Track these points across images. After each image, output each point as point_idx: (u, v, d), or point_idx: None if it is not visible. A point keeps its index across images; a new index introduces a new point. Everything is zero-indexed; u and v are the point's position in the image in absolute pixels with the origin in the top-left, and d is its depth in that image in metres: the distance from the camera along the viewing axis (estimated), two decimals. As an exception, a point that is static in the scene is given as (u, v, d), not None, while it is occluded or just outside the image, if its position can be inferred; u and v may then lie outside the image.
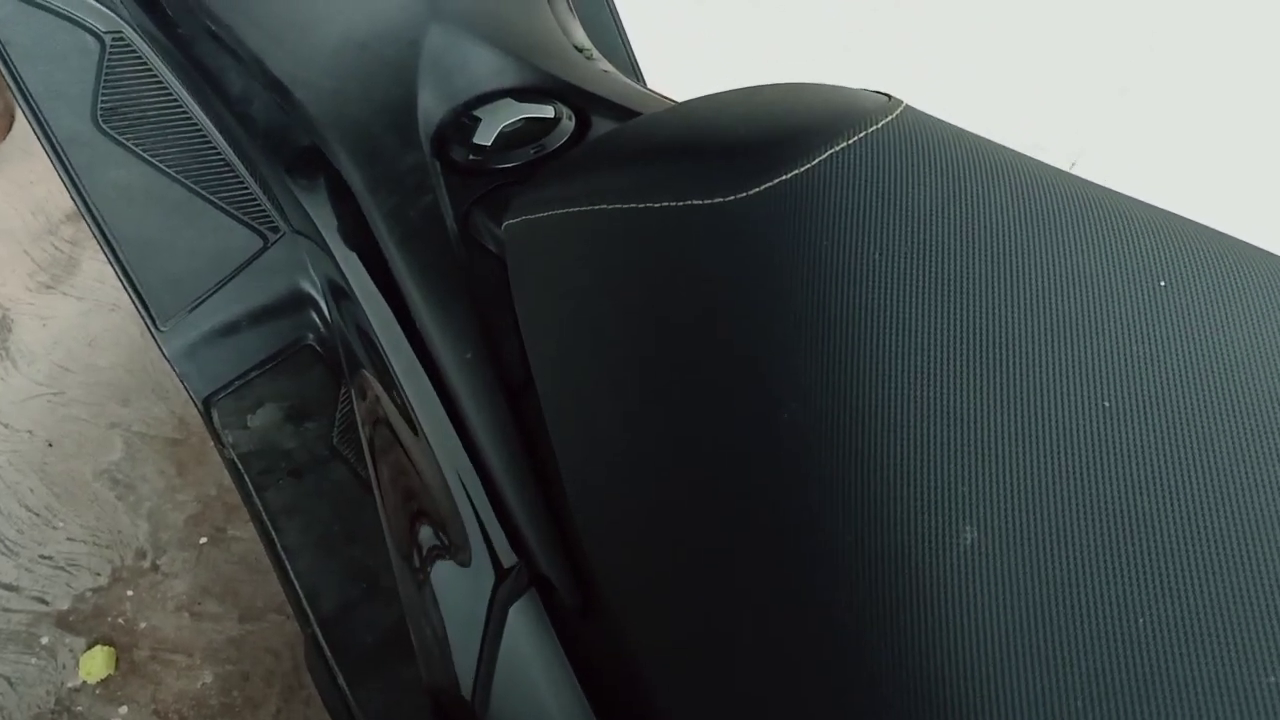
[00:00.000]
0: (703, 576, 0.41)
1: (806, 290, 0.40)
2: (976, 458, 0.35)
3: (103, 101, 0.86)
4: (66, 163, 0.87)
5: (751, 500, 0.39)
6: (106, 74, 0.85)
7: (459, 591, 0.56)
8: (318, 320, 0.97)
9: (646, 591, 0.44)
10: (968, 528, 0.34)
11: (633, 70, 0.99)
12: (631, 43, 0.97)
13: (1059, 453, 0.35)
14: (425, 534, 0.63)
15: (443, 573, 0.59)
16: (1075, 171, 1.59)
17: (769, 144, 0.43)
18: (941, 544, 0.34)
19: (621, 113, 0.73)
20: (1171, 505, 0.34)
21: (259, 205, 0.91)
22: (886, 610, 0.35)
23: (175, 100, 0.86)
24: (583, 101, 0.74)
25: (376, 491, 0.73)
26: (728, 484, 0.40)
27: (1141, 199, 0.45)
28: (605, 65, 0.83)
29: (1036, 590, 0.34)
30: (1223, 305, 0.40)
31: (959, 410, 0.36)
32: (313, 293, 0.96)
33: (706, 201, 0.43)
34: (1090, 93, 1.72)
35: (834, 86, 0.49)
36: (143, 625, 1.21)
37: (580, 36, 0.85)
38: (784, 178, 0.42)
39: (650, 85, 0.94)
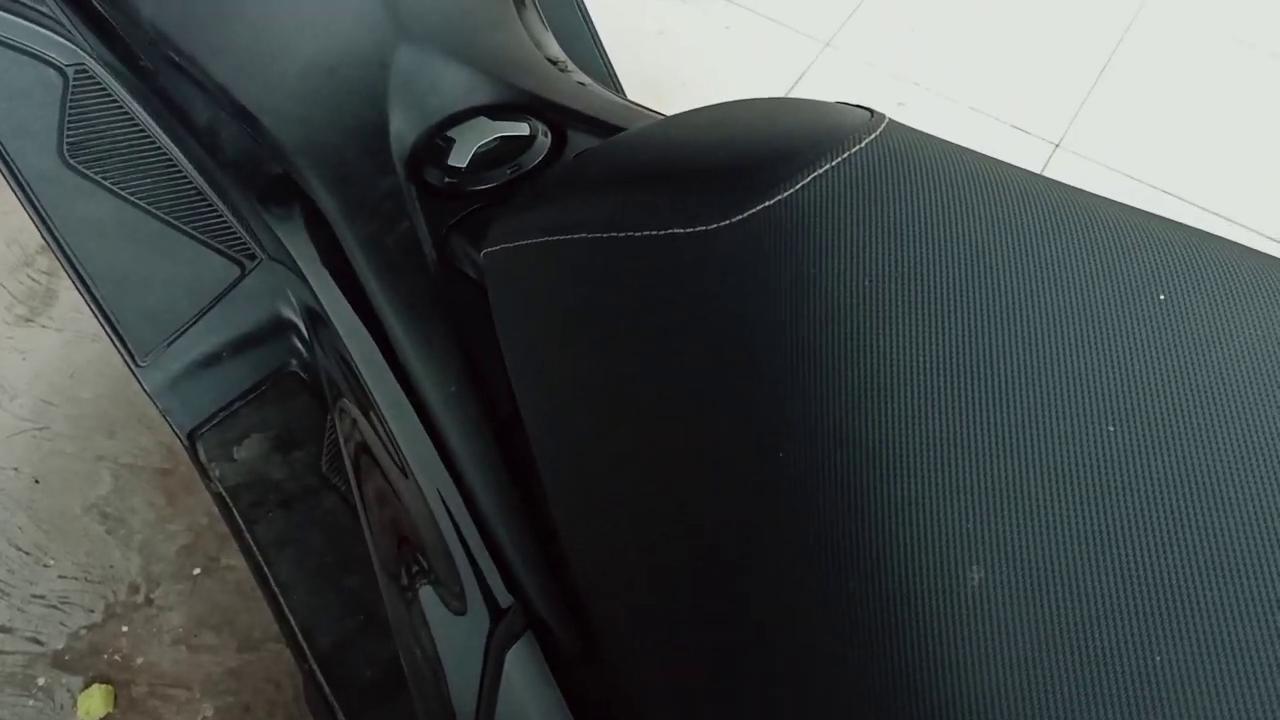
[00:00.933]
0: (702, 619, 0.40)
1: (796, 322, 0.38)
2: (980, 494, 0.34)
3: (69, 136, 0.84)
4: (35, 201, 0.85)
5: (750, 541, 0.38)
6: (71, 108, 0.83)
7: (454, 634, 0.55)
8: (300, 346, 0.95)
9: (645, 635, 0.42)
10: (975, 567, 0.33)
11: (609, 79, 0.97)
12: (608, 50, 0.95)
13: (1065, 483, 0.34)
14: (417, 573, 0.61)
15: (437, 614, 0.58)
16: (1060, 152, 1.58)
17: (750, 169, 0.42)
18: (949, 585, 0.33)
19: (598, 126, 0.71)
20: (1183, 535, 0.33)
21: (234, 233, 0.90)
22: (894, 653, 0.33)
23: (143, 131, 0.84)
24: (558, 116, 0.73)
25: (365, 527, 0.71)
26: (725, 524, 0.39)
27: (1140, 199, 0.44)
28: (581, 77, 0.81)
29: (1048, 630, 0.32)
30: (1224, 316, 0.38)
31: (959, 444, 0.35)
32: (294, 318, 0.94)
33: (688, 230, 0.42)
34: (1072, 73, 1.71)
35: (814, 102, 0.48)
36: (140, 661, 1.19)
37: (554, 49, 0.83)
38: (767, 204, 0.40)
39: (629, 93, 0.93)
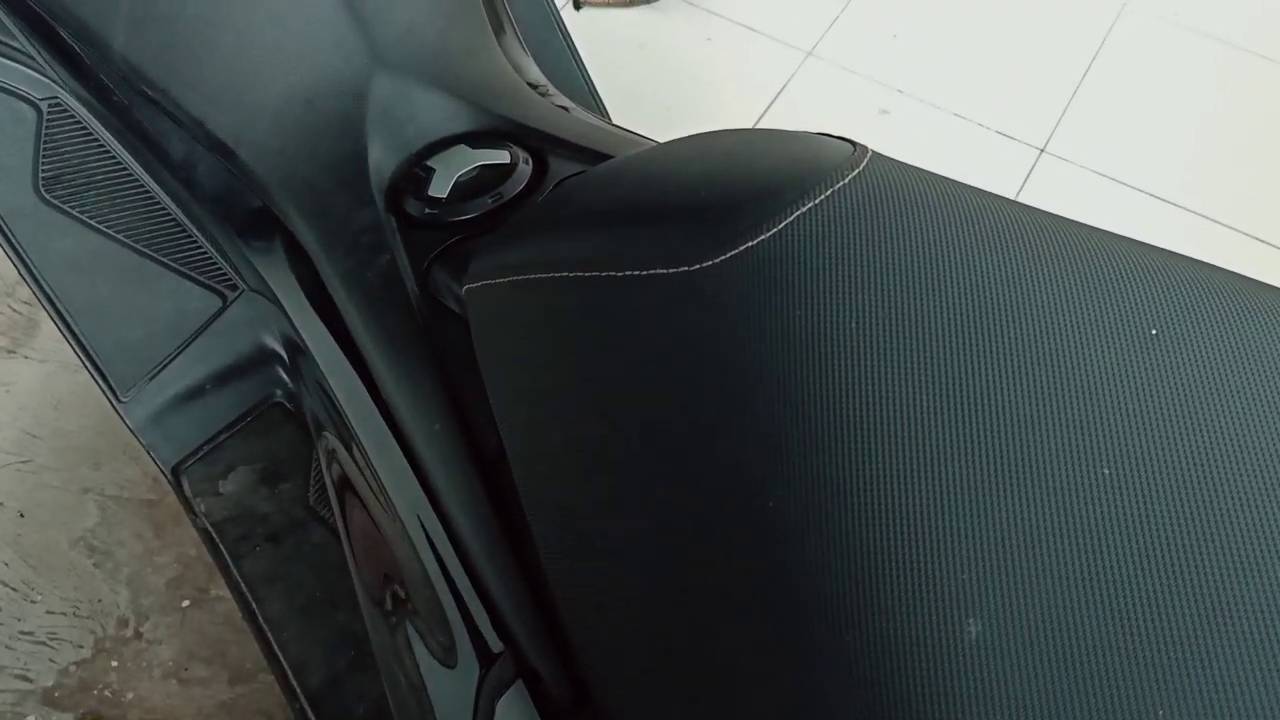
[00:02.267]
0: (695, 671, 0.39)
1: (781, 365, 0.37)
2: (976, 543, 0.33)
3: (44, 171, 0.83)
4: (10, 237, 0.84)
5: (741, 591, 0.37)
6: (46, 142, 0.82)
7: (444, 682, 0.54)
8: (285, 376, 0.94)
9: (636, 686, 0.41)
10: (972, 619, 0.32)
11: (592, 100, 0.96)
12: (589, 67, 0.94)
13: (1061, 530, 0.33)
14: (405, 616, 0.60)
15: (426, 661, 0.56)
16: (1045, 157, 1.58)
17: (732, 207, 0.41)
18: (946, 639, 0.32)
19: (579, 152, 0.71)
20: (1183, 579, 0.32)
21: (214, 264, 0.88)
22: (892, 707, 0.33)
23: (119, 164, 0.83)
24: (538, 142, 0.72)
25: (352, 565, 0.70)
26: (714, 573, 0.38)
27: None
28: (562, 100, 0.80)
29: (1048, 681, 0.31)
30: (1218, 349, 0.38)
31: (951, 492, 0.34)
32: (277, 349, 0.93)
33: (669, 270, 0.41)
34: (1055, 78, 1.71)
35: (796, 135, 0.47)
36: (130, 696, 1.18)
37: (534, 73, 0.82)
38: (750, 244, 0.39)
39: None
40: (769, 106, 1.67)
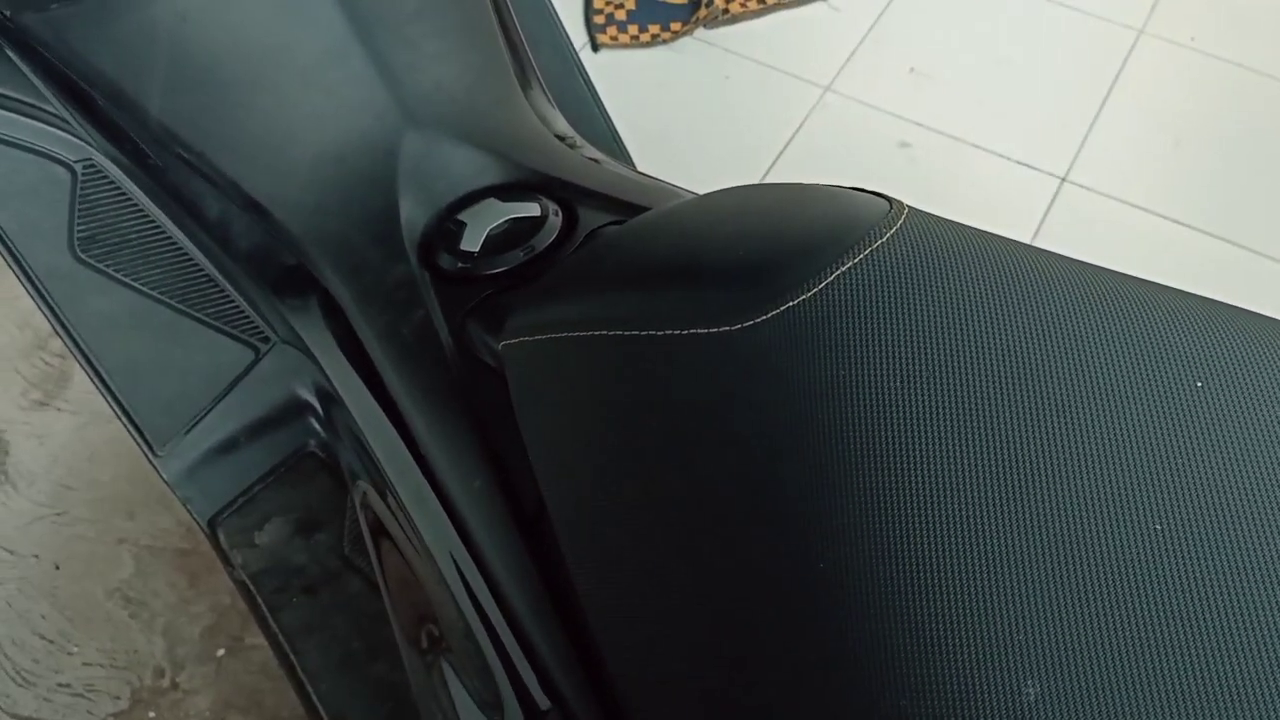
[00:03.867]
0: (747, 732, 0.39)
1: (825, 424, 0.38)
2: (1031, 604, 0.33)
3: (79, 231, 0.84)
4: (47, 297, 0.85)
5: (792, 654, 0.37)
6: (80, 203, 0.83)
7: (490, 739, 0.54)
8: (318, 426, 0.95)
9: (689, 747, 0.41)
10: (1030, 681, 0.32)
11: (615, 146, 0.97)
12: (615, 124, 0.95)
13: (1115, 589, 0.33)
14: (448, 670, 0.60)
15: (470, 713, 0.57)
16: (1067, 186, 1.58)
17: (770, 267, 0.41)
18: (1004, 701, 0.32)
19: (608, 203, 0.71)
20: (1239, 638, 0.32)
21: (247, 318, 0.90)
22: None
23: (153, 222, 0.84)
24: (568, 194, 0.73)
25: (392, 617, 0.70)
26: (764, 636, 0.38)
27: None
28: (590, 151, 0.81)
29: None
30: (1265, 399, 0.38)
31: (1003, 552, 0.34)
32: (310, 399, 0.94)
33: (710, 330, 0.41)
34: (1074, 106, 1.71)
35: (832, 191, 0.47)
36: (167, 747, 1.18)
37: (561, 124, 0.83)
38: (791, 304, 0.40)
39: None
40: (789, 142, 1.68)
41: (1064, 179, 1.60)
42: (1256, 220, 1.55)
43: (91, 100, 0.79)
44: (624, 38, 1.80)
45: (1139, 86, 1.73)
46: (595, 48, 1.79)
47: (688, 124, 1.72)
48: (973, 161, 1.64)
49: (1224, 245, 1.52)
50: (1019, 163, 1.63)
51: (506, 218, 0.70)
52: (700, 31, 1.81)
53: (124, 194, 0.84)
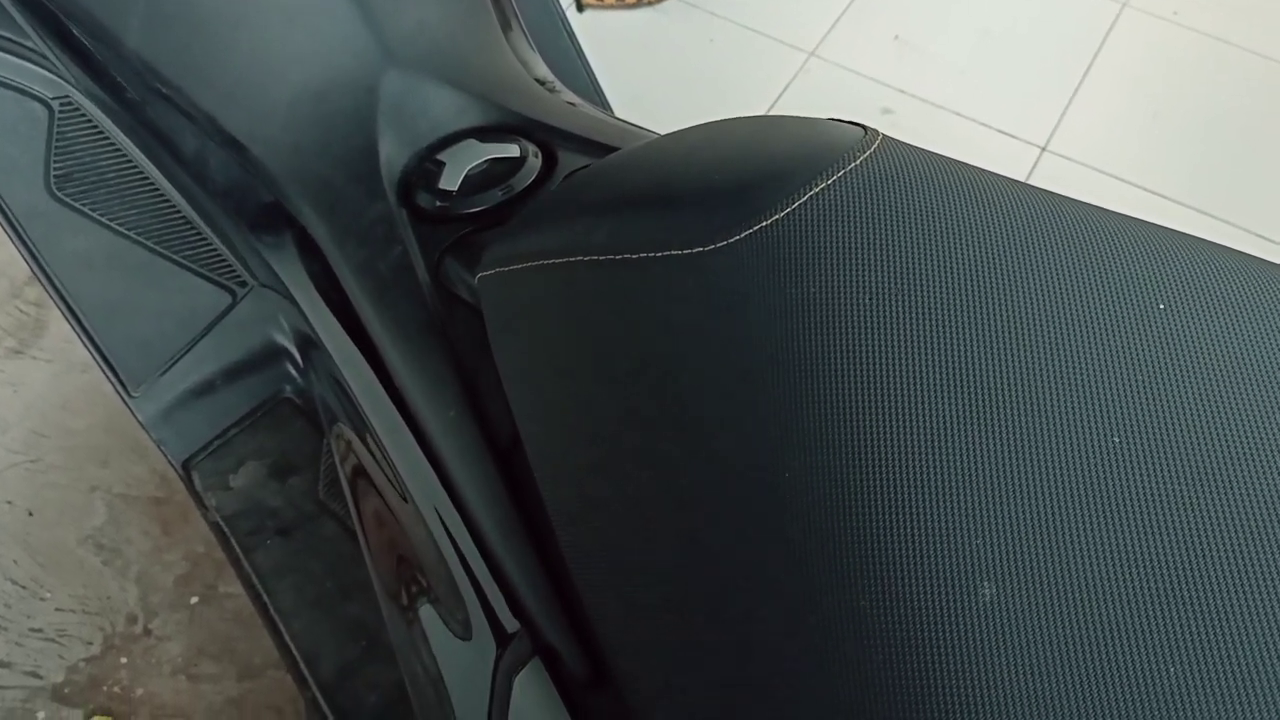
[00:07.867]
0: (712, 643, 0.39)
1: (795, 340, 0.38)
2: (989, 510, 0.34)
3: (55, 169, 0.84)
4: (23, 235, 0.85)
5: (757, 562, 0.38)
6: (58, 141, 0.83)
7: (460, 660, 0.55)
8: (294, 372, 0.95)
9: (654, 662, 0.42)
10: (985, 583, 0.33)
11: (597, 97, 0.97)
12: (594, 67, 0.95)
13: (1072, 497, 0.34)
14: (420, 599, 0.61)
15: (442, 639, 0.57)
16: (1047, 155, 1.59)
17: (745, 189, 0.42)
18: (960, 602, 0.33)
19: (587, 145, 0.71)
20: (1194, 545, 0.33)
21: (225, 261, 0.89)
22: (906, 672, 0.33)
23: (130, 161, 0.84)
24: (547, 136, 0.73)
25: (366, 552, 0.71)
26: (731, 546, 0.39)
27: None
28: (569, 96, 0.81)
29: (1061, 645, 0.32)
30: (1225, 324, 0.38)
31: (965, 459, 0.35)
32: (286, 344, 0.94)
33: (685, 252, 0.42)
34: (1056, 77, 1.72)
35: (807, 120, 0.48)
36: (139, 692, 1.19)
37: (541, 69, 0.83)
38: (763, 224, 0.40)
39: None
40: (771, 107, 1.68)
41: (1044, 148, 1.61)
42: (1232, 193, 1.56)
43: (70, 34, 0.78)
44: (609, -1, 1.79)
45: (1121, 59, 1.74)
46: (580, 8, 1.79)
47: (671, 87, 1.72)
48: (954, 129, 1.64)
49: (1200, 216, 1.54)
50: (1000, 131, 1.63)
51: (486, 158, 0.70)
52: (685, -6, 1.81)
53: (101, 133, 0.83)
